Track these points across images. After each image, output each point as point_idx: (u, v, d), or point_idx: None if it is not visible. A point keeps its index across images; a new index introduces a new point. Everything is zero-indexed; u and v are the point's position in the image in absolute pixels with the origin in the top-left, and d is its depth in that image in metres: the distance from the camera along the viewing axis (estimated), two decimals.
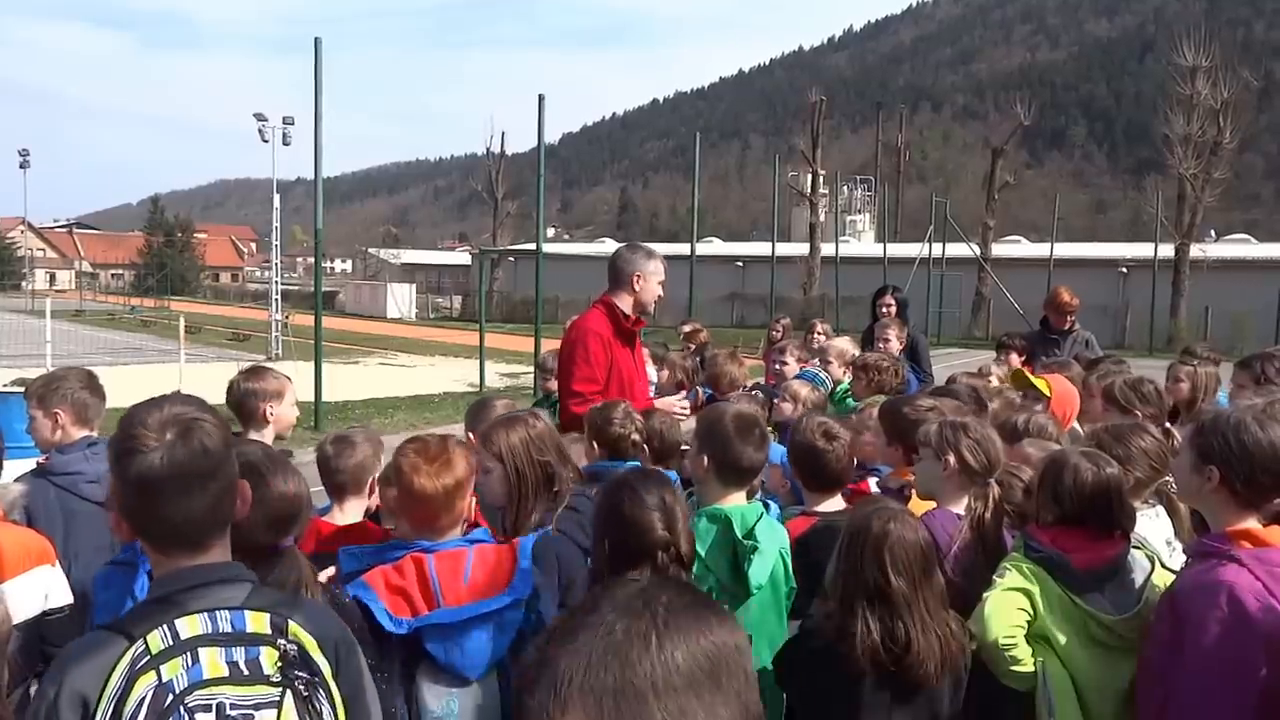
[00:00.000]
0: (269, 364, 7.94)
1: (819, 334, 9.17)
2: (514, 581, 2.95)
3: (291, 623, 2.03)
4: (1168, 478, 3.79)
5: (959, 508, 3.69)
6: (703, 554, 3.44)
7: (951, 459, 3.68)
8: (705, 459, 3.72)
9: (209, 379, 15.73)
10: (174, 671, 1.91)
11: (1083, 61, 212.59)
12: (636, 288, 5.88)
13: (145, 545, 2.13)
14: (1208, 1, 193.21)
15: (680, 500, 2.99)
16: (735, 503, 3.68)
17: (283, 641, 2.01)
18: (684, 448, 4.83)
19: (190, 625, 1.97)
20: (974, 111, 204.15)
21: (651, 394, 6.53)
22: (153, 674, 1.91)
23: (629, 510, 2.90)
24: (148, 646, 1.94)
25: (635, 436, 4.43)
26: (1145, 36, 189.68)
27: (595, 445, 4.49)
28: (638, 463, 4.47)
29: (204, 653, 1.95)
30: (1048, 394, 5.71)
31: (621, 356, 5.83)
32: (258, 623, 2.01)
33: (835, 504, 3.94)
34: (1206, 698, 2.75)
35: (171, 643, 1.94)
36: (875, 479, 4.60)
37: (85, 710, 1.91)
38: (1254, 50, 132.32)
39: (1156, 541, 3.55)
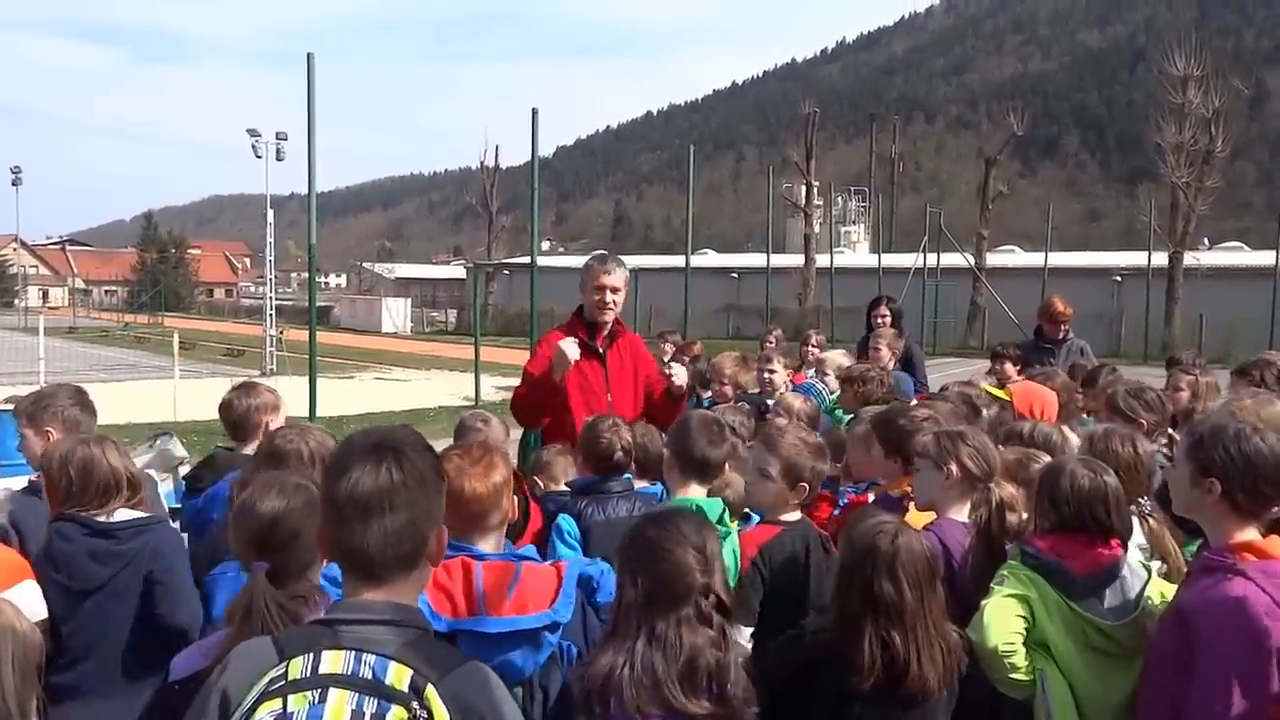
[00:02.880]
0: (263, 379, 7.93)
1: (813, 345, 9.17)
2: (556, 604, 2.95)
3: (431, 687, 1.91)
4: (1141, 499, 3.78)
5: (961, 516, 3.69)
6: None
7: (953, 468, 3.68)
8: (669, 453, 4.02)
9: (204, 395, 15.69)
10: (298, 705, 1.86)
11: (1075, 71, 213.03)
12: (581, 298, 6.00)
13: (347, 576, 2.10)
14: (1198, 11, 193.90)
15: (718, 543, 2.85)
16: (697, 495, 3.86)
17: (415, 705, 1.88)
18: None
19: (333, 661, 1.91)
20: (967, 122, 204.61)
21: None
22: (279, 701, 1.87)
23: (668, 550, 2.71)
24: (287, 671, 1.91)
25: (619, 455, 4.43)
26: (1136, 46, 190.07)
27: (585, 460, 4.48)
28: (629, 476, 4.47)
29: (334, 694, 1.87)
30: (1009, 399, 5.78)
31: (580, 368, 5.81)
32: (398, 677, 1.91)
33: (794, 514, 3.95)
34: (1219, 714, 2.73)
35: (308, 674, 1.90)
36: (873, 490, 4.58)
37: (225, 710, 1.94)
38: (1244, 59, 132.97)
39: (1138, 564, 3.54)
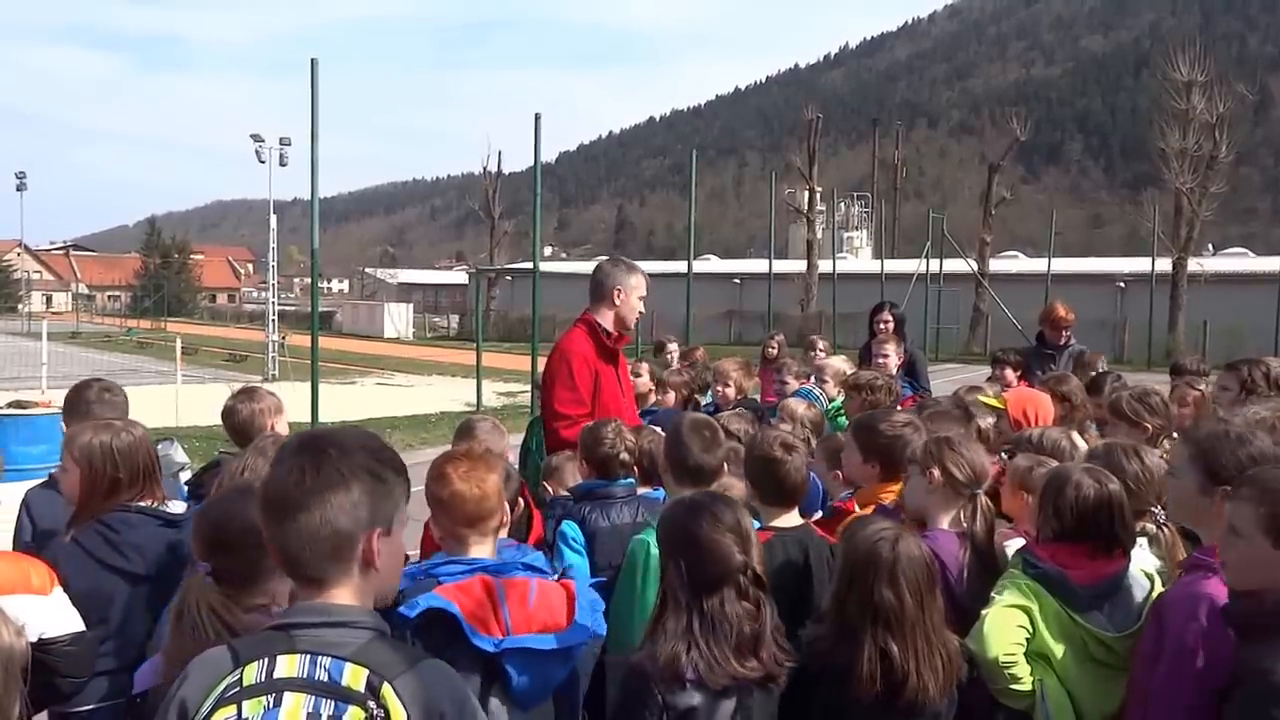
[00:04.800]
0: (265, 384, 7.93)
1: (820, 350, 9.15)
2: (579, 618, 2.98)
3: (387, 685, 1.90)
4: (1153, 507, 3.76)
5: (945, 522, 3.67)
6: None
7: (935, 472, 3.67)
8: (663, 460, 4.10)
9: (206, 400, 15.69)
10: (253, 710, 1.87)
11: (1078, 77, 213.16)
12: (617, 302, 5.86)
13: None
14: (1202, 16, 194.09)
15: (749, 519, 3.01)
16: None
17: (372, 704, 1.88)
18: None
19: (288, 665, 1.91)
20: (970, 128, 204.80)
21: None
22: (234, 708, 1.87)
23: (706, 535, 2.89)
24: (242, 677, 1.91)
25: (624, 456, 4.42)
26: (1140, 51, 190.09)
27: (586, 464, 4.47)
28: (631, 481, 4.46)
29: (289, 697, 1.88)
30: (1002, 407, 5.76)
31: (605, 374, 5.79)
32: (354, 678, 1.90)
33: (791, 519, 3.92)
34: (1176, 707, 2.75)
35: (263, 679, 1.90)
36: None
37: (184, 718, 1.94)
38: (1248, 64, 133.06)
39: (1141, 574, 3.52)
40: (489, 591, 2.94)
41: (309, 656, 1.92)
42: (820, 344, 9.44)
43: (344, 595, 2.02)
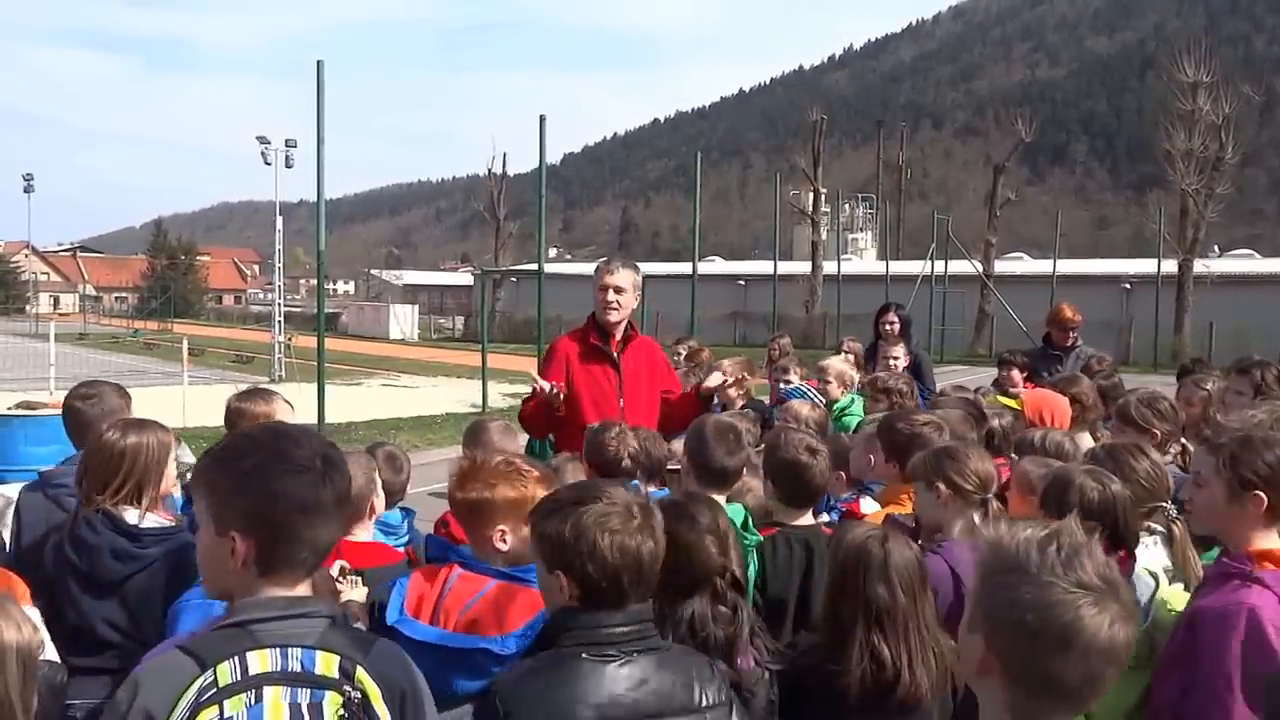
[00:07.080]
0: (272, 386, 7.94)
1: (846, 351, 9.12)
2: (509, 635, 2.79)
3: (359, 668, 1.99)
4: (1164, 503, 3.74)
5: (958, 532, 3.66)
6: None
7: (941, 486, 3.65)
8: (686, 461, 4.05)
9: (212, 401, 15.67)
10: (236, 708, 1.90)
11: (1083, 78, 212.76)
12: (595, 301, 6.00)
13: (252, 569, 2.07)
14: (1207, 17, 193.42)
15: (729, 522, 2.95)
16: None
17: (348, 688, 1.96)
18: (671, 467, 4.79)
19: (260, 660, 1.95)
20: (975, 129, 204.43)
21: None
22: (216, 709, 1.89)
23: (684, 537, 2.80)
24: (216, 678, 1.92)
25: (626, 463, 4.42)
26: (1145, 53, 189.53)
27: (592, 467, 4.47)
28: (635, 483, 4.45)
29: (268, 691, 1.92)
30: (1019, 408, 5.74)
31: (590, 371, 5.86)
32: (327, 665, 1.97)
33: (805, 519, 3.91)
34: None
35: (239, 677, 1.92)
36: (869, 496, 4.56)
37: None
38: (1254, 65, 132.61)
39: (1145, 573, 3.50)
40: (445, 580, 2.93)
41: (279, 649, 1.97)
42: (848, 343, 9.39)
43: (305, 588, 2.10)
